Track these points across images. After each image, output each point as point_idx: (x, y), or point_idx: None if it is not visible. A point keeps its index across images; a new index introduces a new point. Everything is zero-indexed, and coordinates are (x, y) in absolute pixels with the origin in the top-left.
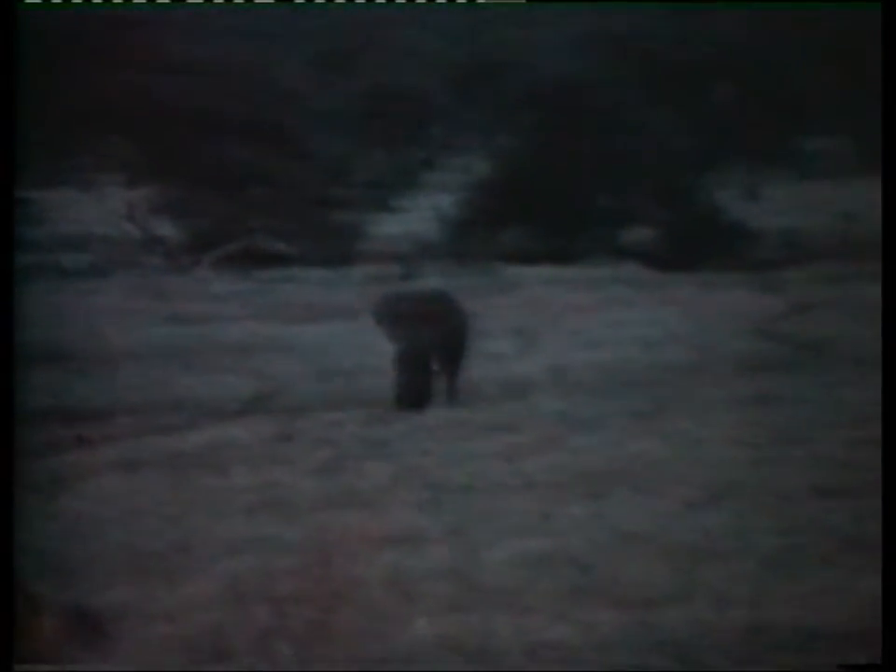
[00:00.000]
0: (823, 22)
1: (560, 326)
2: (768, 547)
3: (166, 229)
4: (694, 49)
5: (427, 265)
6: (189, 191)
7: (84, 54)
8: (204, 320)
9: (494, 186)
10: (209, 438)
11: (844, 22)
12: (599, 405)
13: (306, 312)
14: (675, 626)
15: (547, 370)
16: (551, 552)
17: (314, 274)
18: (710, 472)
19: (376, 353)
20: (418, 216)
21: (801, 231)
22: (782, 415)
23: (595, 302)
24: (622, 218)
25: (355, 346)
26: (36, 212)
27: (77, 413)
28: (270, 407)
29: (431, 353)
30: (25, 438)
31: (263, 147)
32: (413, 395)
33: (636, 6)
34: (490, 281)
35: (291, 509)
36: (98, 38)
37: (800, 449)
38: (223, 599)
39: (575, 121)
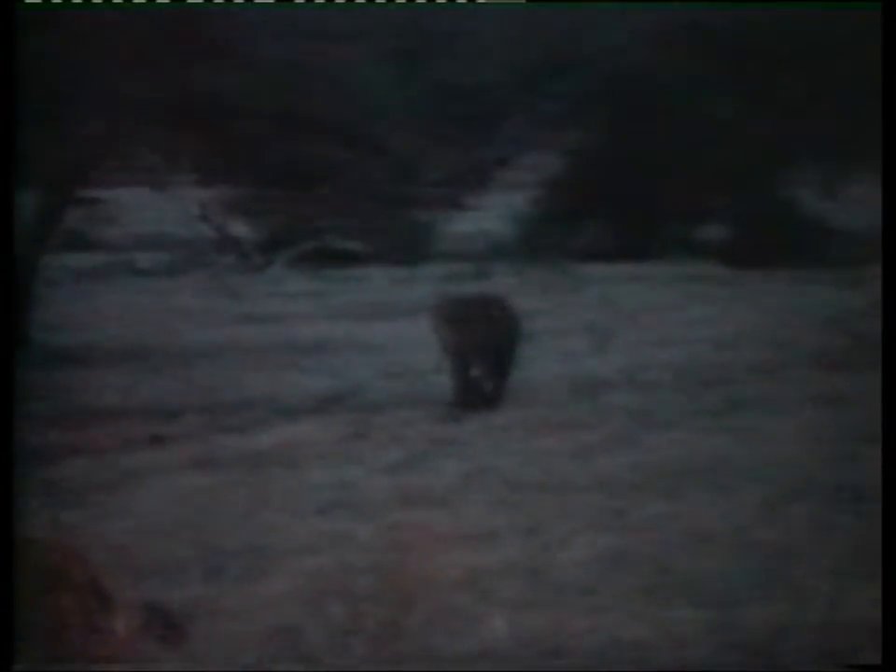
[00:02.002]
0: None
1: (634, 324)
2: (845, 545)
3: (239, 228)
4: (771, 41)
5: (499, 264)
6: (261, 191)
7: (153, 51)
8: (277, 319)
9: (566, 183)
10: (282, 436)
11: None
12: (674, 404)
13: (378, 310)
14: (753, 625)
15: (620, 368)
16: (626, 550)
17: (386, 273)
18: (786, 470)
19: None
20: (491, 214)
21: (880, 228)
22: (860, 413)
23: (669, 300)
24: (697, 215)
25: (426, 345)
26: (109, 212)
27: (152, 412)
28: (342, 406)
29: (480, 357)
30: (100, 436)
31: (336, 145)
32: (468, 397)
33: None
34: (563, 279)
35: (365, 507)
36: (166, 34)
37: (877, 447)
38: (298, 597)
39: (649, 117)
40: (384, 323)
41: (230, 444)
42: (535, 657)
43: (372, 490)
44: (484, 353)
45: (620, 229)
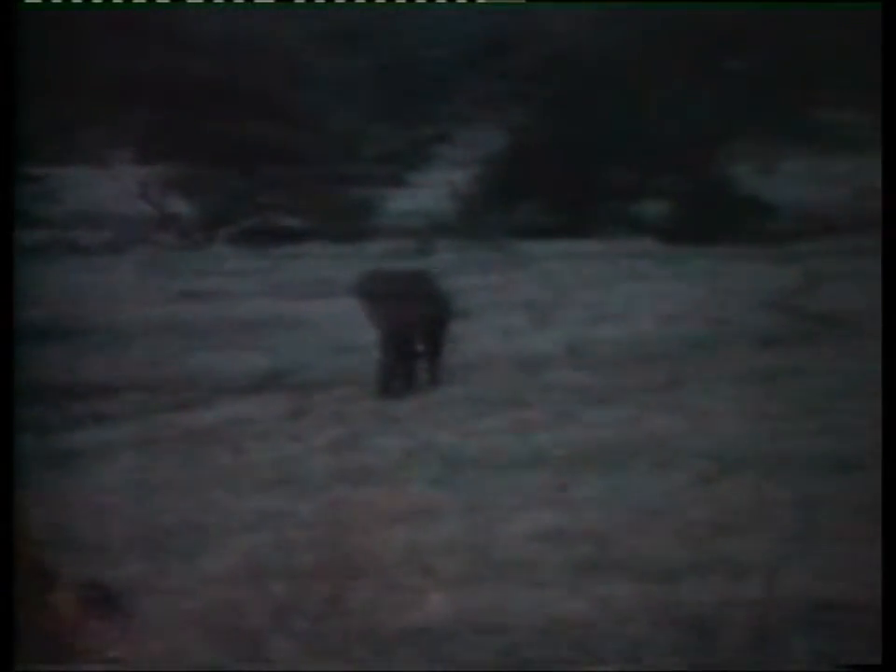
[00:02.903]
0: None
1: (574, 300)
2: (784, 520)
3: (180, 206)
4: (709, 21)
5: (440, 241)
6: (202, 168)
7: (97, 30)
8: (219, 296)
9: (507, 160)
10: (224, 414)
11: None
12: (614, 379)
13: (320, 288)
14: (691, 600)
15: (561, 344)
16: (567, 526)
17: (328, 251)
18: (726, 445)
19: None
20: (432, 191)
21: (816, 203)
22: (797, 388)
23: (609, 277)
24: (636, 192)
25: (368, 323)
26: (50, 189)
27: (94, 390)
28: (283, 383)
29: (413, 334)
30: (41, 414)
31: (277, 123)
32: (396, 378)
33: None
34: (504, 256)
35: (306, 484)
36: (112, 14)
37: (815, 421)
38: (239, 575)
39: (589, 95)
40: (324, 300)
41: (171, 422)
42: (476, 633)
43: (313, 467)
44: (411, 331)
45: (560, 206)
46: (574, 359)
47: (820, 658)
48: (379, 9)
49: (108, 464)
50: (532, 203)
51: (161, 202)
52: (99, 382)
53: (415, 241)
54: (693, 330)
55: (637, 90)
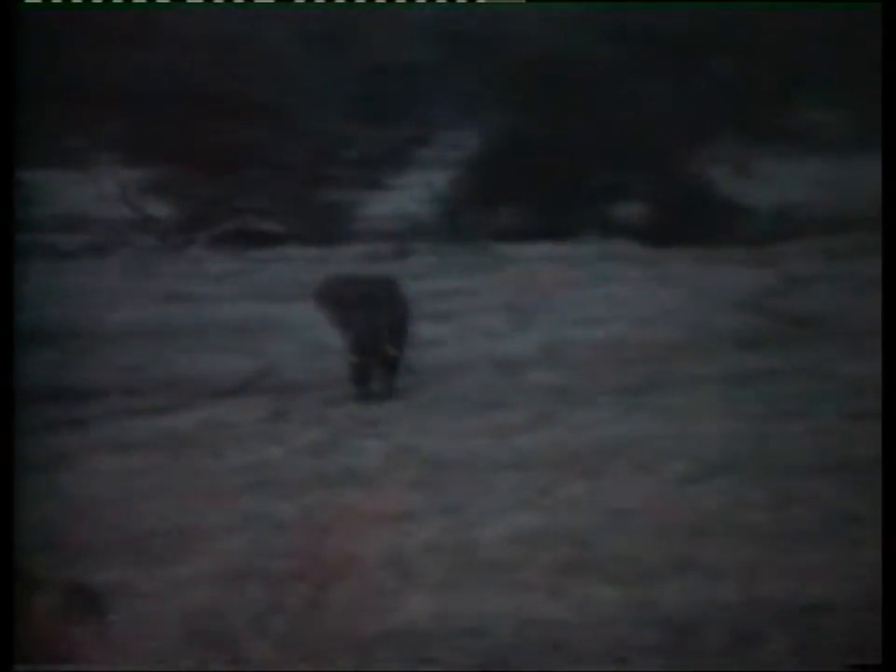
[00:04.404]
0: None
1: (553, 303)
2: (763, 522)
3: (159, 209)
4: (687, 21)
5: (419, 243)
6: (180, 171)
7: (77, 32)
8: (199, 300)
9: (484, 162)
10: (204, 417)
11: None
12: (592, 382)
13: (300, 291)
14: (670, 602)
15: (540, 346)
16: (546, 528)
17: (307, 253)
18: (704, 448)
19: None
20: (410, 193)
21: (794, 205)
22: (776, 390)
23: (587, 279)
24: (614, 194)
25: (331, 328)
26: (31, 192)
27: (74, 394)
28: (264, 386)
29: (378, 337)
30: (22, 417)
31: (254, 125)
32: (364, 380)
33: None
34: (482, 258)
35: (286, 487)
36: (91, 17)
37: (795, 424)
38: (218, 578)
39: (566, 96)
40: (303, 303)
41: (151, 425)
42: (456, 635)
43: (293, 471)
44: (371, 338)
45: (538, 208)
46: (553, 361)
47: (799, 658)
48: (356, 10)
49: (89, 467)
50: (511, 206)
51: (141, 205)
52: (81, 385)
53: (393, 244)
54: (671, 333)
55: (615, 91)
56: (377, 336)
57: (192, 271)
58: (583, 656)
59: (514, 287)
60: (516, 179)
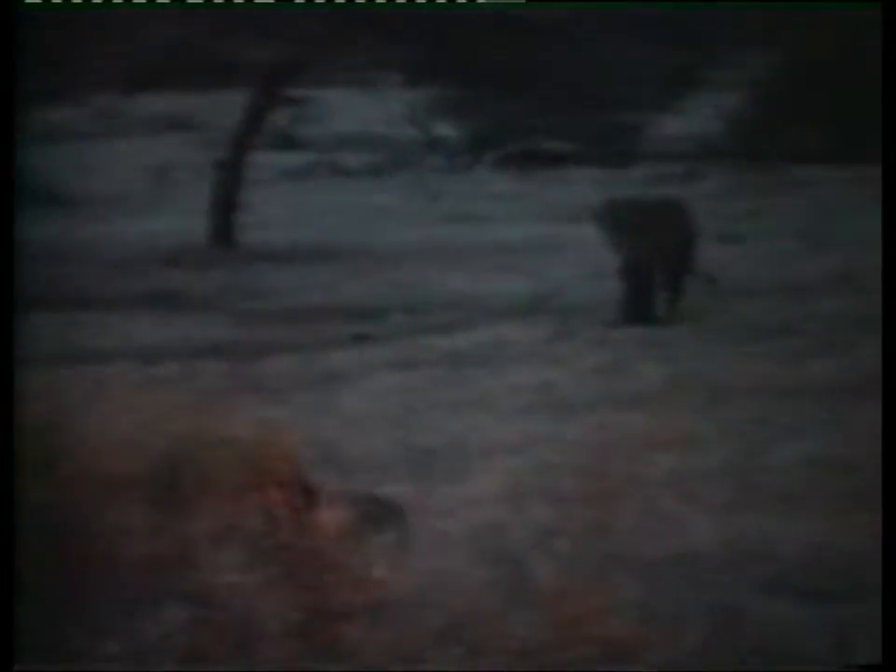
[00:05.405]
0: None
1: (846, 227)
2: None
3: (446, 129)
4: None
5: (708, 165)
6: (468, 92)
7: None
8: (482, 220)
9: (776, 83)
10: (485, 337)
11: None
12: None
13: (584, 212)
14: None
15: (831, 272)
16: (831, 456)
17: (593, 174)
18: None
19: None
20: (699, 115)
21: None
22: None
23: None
24: None
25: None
26: (315, 111)
27: (355, 312)
28: (546, 307)
29: (654, 264)
30: (305, 335)
31: (543, 46)
32: (638, 308)
33: None
34: (775, 180)
35: (568, 408)
36: None
37: None
38: (502, 497)
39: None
40: (587, 225)
41: (433, 344)
42: (740, 560)
43: (575, 392)
44: (655, 260)
45: (831, 129)
46: (846, 288)
47: None
48: None
49: (370, 384)
50: (802, 127)
51: (428, 124)
52: (360, 304)
53: (683, 165)
54: None
55: None
56: (654, 260)
57: (476, 191)
58: (867, 581)
59: (806, 209)
60: (807, 102)
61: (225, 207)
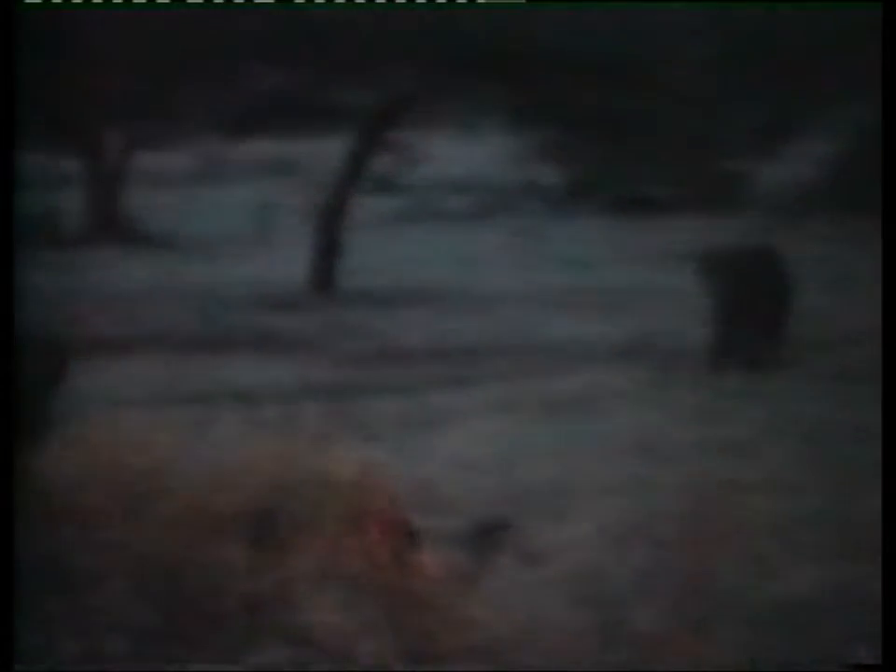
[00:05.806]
0: None
1: None
2: None
3: (547, 173)
4: None
5: (810, 213)
6: (571, 136)
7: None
8: (583, 264)
9: (878, 133)
10: (585, 381)
11: None
12: None
13: (683, 259)
14: None
15: None
16: None
17: (693, 222)
18: None
19: None
20: (799, 163)
21: None
22: None
23: None
24: None
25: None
26: (416, 155)
27: (455, 353)
28: (642, 352)
29: (748, 310)
30: (406, 377)
31: (642, 93)
32: (737, 354)
33: None
34: (875, 228)
35: (669, 452)
36: None
37: None
38: (601, 540)
39: None
40: (686, 271)
41: (532, 387)
42: (842, 608)
43: (676, 437)
44: (750, 309)
45: None
46: None
47: None
48: None
49: (471, 426)
50: None
51: (529, 169)
52: (459, 346)
53: (782, 213)
54: None
55: None
56: (752, 307)
57: (577, 235)
58: None
59: None
60: None
61: (327, 251)
